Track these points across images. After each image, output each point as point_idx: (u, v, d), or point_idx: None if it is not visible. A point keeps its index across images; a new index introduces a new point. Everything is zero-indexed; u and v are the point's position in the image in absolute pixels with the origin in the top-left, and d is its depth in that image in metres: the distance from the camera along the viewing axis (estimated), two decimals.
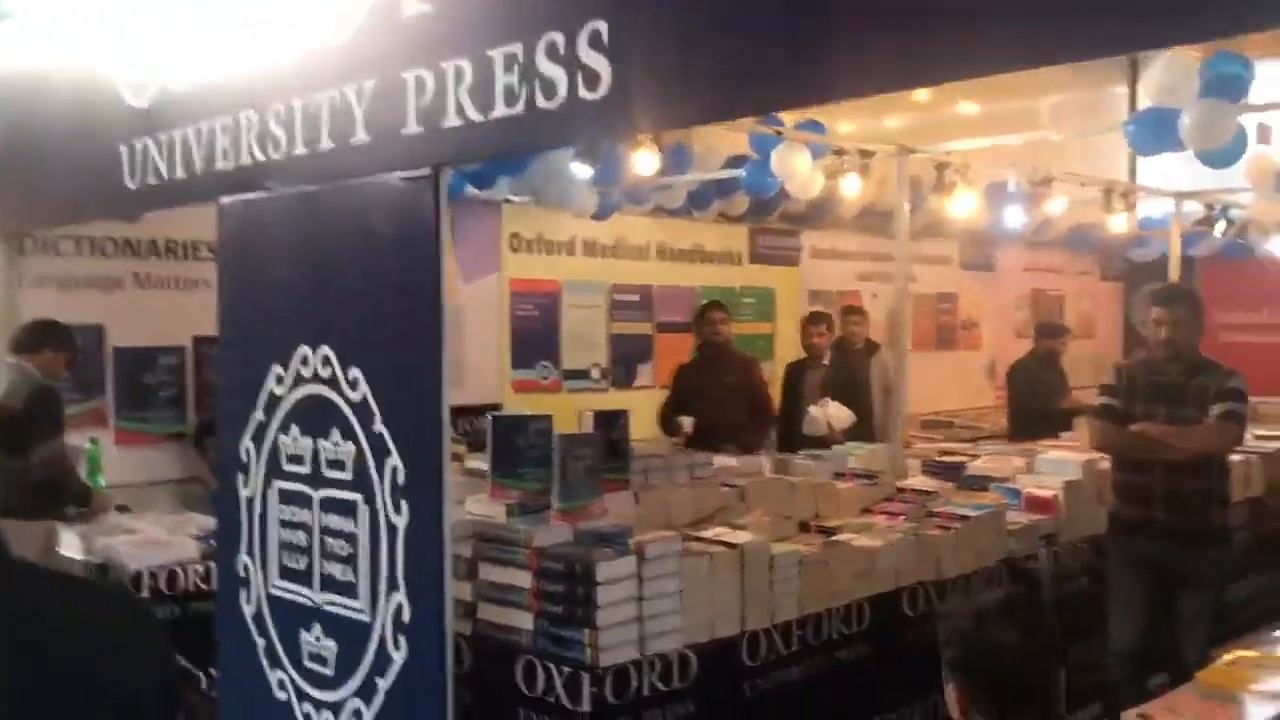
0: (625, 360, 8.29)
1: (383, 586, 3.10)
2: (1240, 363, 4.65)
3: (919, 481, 5.22)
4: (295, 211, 3.38)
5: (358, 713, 3.19)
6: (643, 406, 6.39)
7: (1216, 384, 4.48)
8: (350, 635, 3.19)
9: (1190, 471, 4.46)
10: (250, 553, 3.51)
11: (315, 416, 3.28)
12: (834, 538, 4.15)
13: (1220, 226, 7.81)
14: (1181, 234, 7.81)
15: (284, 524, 3.41)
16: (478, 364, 7.22)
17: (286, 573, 3.40)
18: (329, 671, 3.27)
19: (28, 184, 4.70)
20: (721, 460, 4.95)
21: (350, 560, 3.19)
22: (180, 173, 3.80)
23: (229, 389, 3.68)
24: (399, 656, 3.07)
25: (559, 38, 2.60)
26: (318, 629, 3.31)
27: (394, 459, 3.05)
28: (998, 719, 2.11)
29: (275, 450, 3.43)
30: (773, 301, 9.17)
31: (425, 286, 2.95)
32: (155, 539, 4.51)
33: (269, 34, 3.30)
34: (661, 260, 8.47)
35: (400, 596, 3.05)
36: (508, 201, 7.30)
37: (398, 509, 3.06)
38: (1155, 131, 4.81)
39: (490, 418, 3.84)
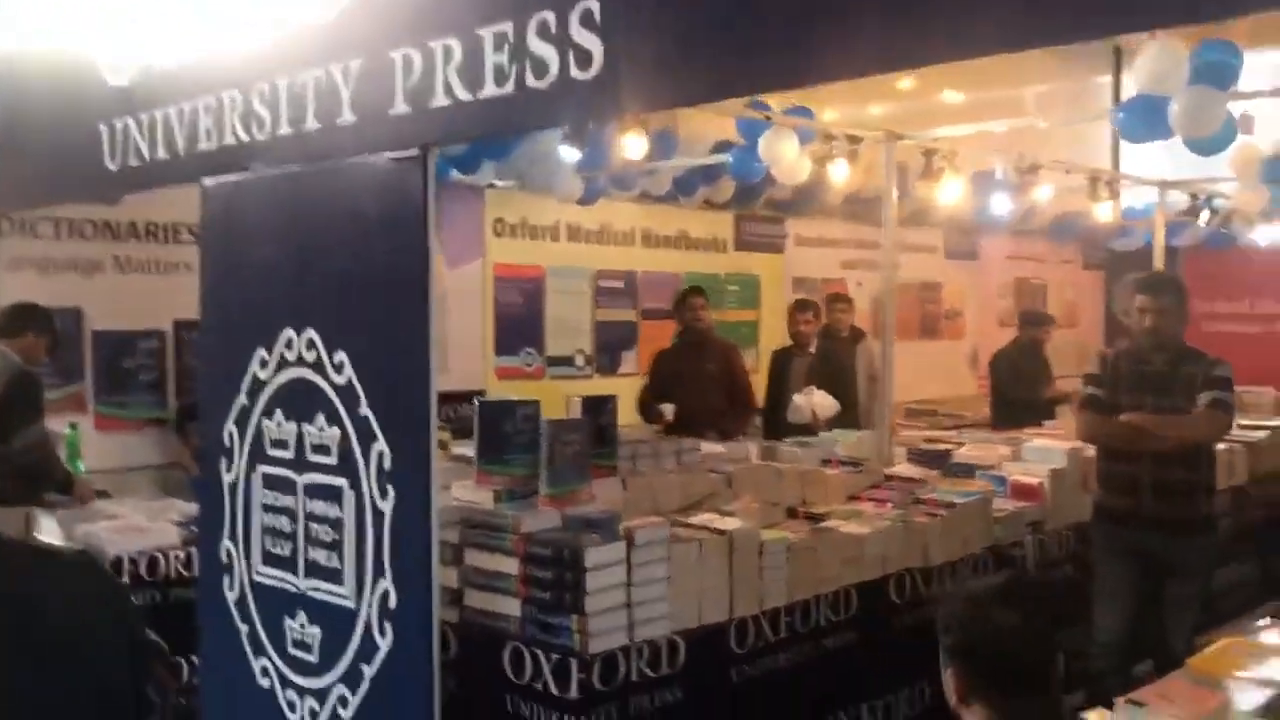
0: (609, 347, 8.26)
1: (369, 573, 3.06)
2: (1223, 353, 4.64)
3: (905, 469, 5.22)
4: (280, 193, 3.32)
5: (343, 700, 3.16)
6: (627, 393, 6.36)
7: (1203, 373, 4.47)
8: (335, 622, 3.16)
9: (1179, 461, 4.46)
10: (233, 538, 3.47)
11: (300, 400, 3.24)
12: (822, 524, 4.14)
13: (1205, 216, 7.83)
14: (1165, 223, 7.83)
15: (267, 509, 3.36)
16: (460, 350, 7.17)
17: (270, 559, 3.36)
18: (313, 659, 3.24)
19: (4, 164, 4.62)
20: (709, 447, 4.94)
21: (335, 546, 3.15)
22: (162, 153, 3.73)
23: (212, 373, 3.63)
24: (385, 643, 3.04)
25: (550, 16, 2.55)
26: (302, 615, 3.26)
27: (380, 443, 3.01)
28: (997, 705, 2.09)
29: (259, 435, 3.38)
30: (757, 289, 9.16)
31: (413, 268, 2.91)
32: (136, 525, 4.46)
33: (253, 11, 3.24)
34: (646, 247, 8.44)
35: (386, 583, 3.02)
36: (491, 186, 7.25)
37: (384, 494, 3.02)
38: (1145, 118, 4.81)
39: (477, 403, 3.80)
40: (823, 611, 3.91)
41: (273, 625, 3.35)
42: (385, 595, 3.02)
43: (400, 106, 2.90)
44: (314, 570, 3.22)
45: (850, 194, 7.21)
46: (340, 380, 3.11)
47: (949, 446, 5.62)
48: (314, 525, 3.22)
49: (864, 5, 2.18)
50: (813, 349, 7.35)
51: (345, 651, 3.14)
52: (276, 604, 3.33)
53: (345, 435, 3.10)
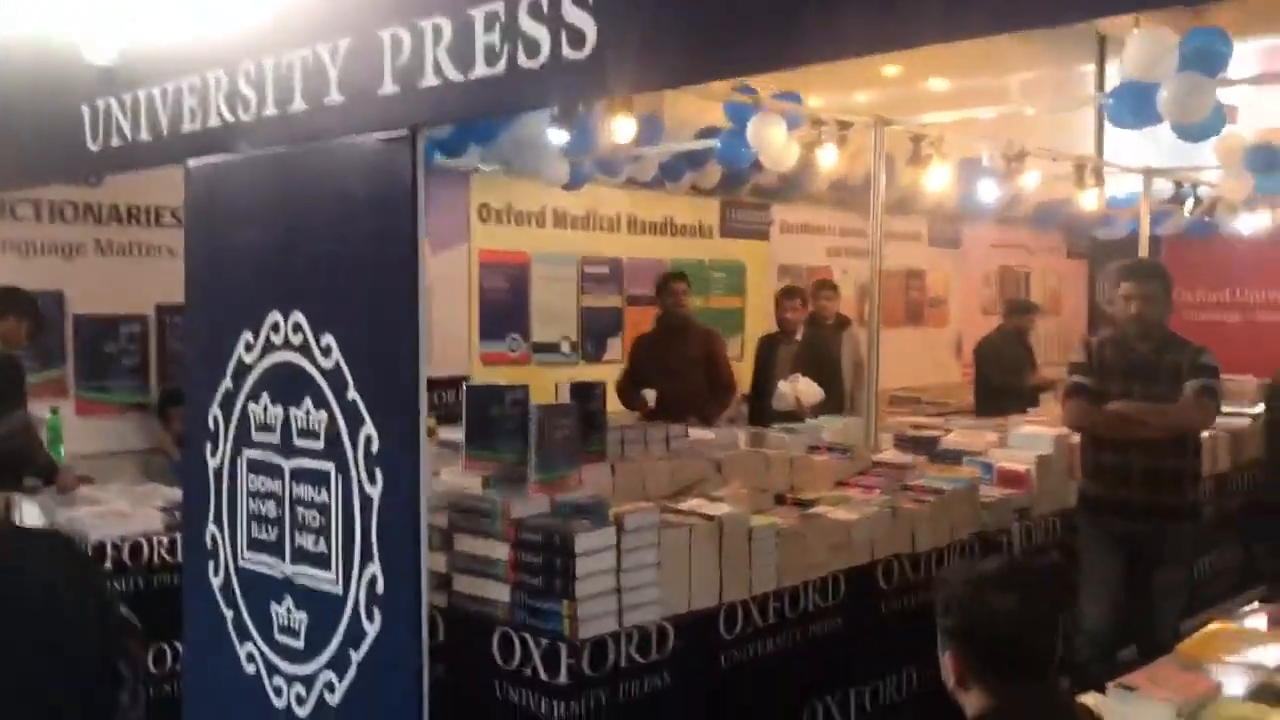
0: (595, 333, 8.24)
1: (356, 558, 3.03)
2: (1205, 341, 4.63)
3: (892, 455, 5.22)
4: (266, 174, 3.28)
5: (330, 685, 3.13)
6: (613, 380, 6.35)
7: (1189, 360, 4.47)
8: (322, 607, 3.13)
9: (1168, 449, 4.45)
10: (218, 523, 3.43)
11: (286, 384, 3.20)
12: (811, 510, 4.13)
13: (1189, 204, 7.85)
14: (1150, 211, 7.86)
15: (253, 494, 3.33)
16: (445, 336, 7.13)
17: (256, 544, 3.33)
18: (300, 644, 3.21)
19: None
20: (697, 433, 4.93)
21: (322, 531, 3.12)
22: (145, 134, 3.68)
23: (197, 356, 3.59)
24: (372, 629, 3.01)
25: None
26: (289, 601, 3.24)
27: (368, 427, 2.98)
28: (995, 689, 2.09)
29: (244, 419, 3.35)
30: (743, 275, 9.15)
31: (401, 250, 2.88)
32: (119, 510, 4.42)
33: None
34: (632, 233, 8.41)
35: (374, 568, 2.99)
36: (476, 171, 7.21)
37: (372, 479, 2.99)
38: (1134, 105, 4.81)
39: (465, 388, 3.78)
40: (811, 597, 3.91)
41: (259, 611, 3.32)
42: (373, 580, 3.00)
43: (389, 87, 2.87)
44: (301, 555, 3.19)
45: (836, 181, 7.20)
46: (327, 364, 3.08)
47: (936, 433, 5.63)
48: (301, 510, 3.19)
49: None
50: (799, 336, 7.35)
51: (332, 637, 3.11)
52: (263, 589, 3.30)
53: (333, 419, 3.07)
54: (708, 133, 6.47)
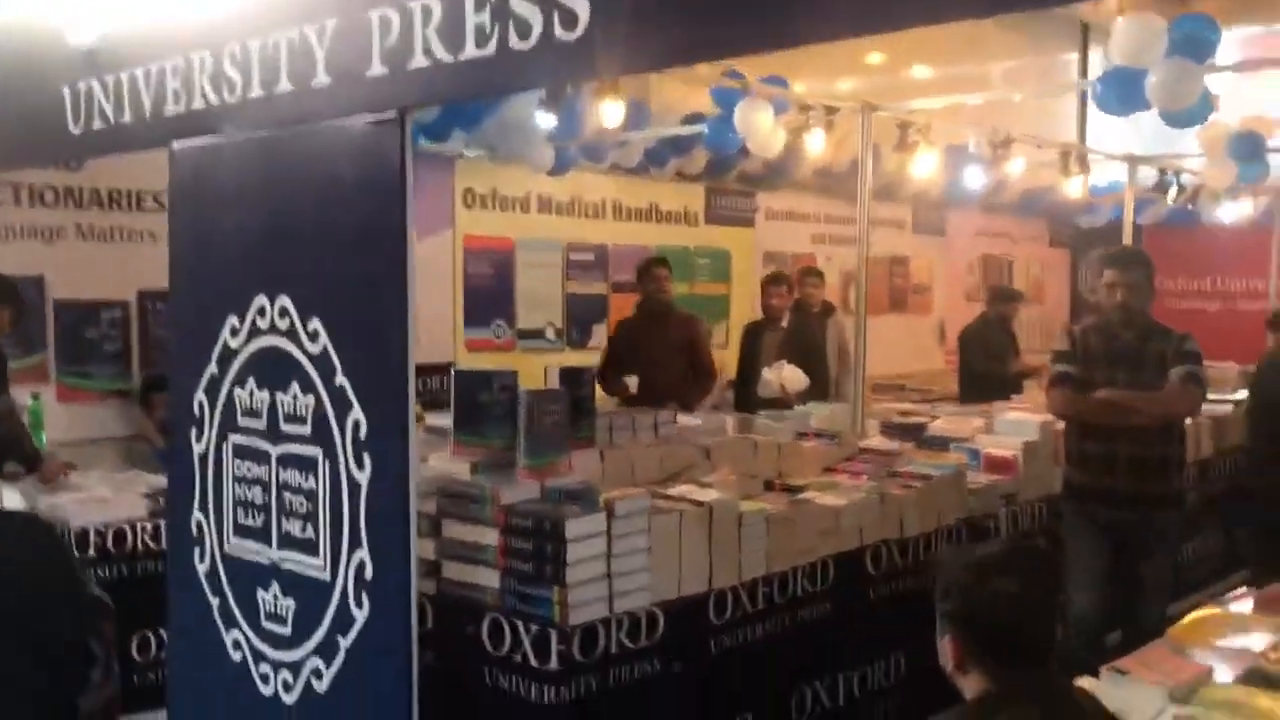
0: (580, 320, 8.22)
1: (344, 544, 3.01)
2: (1185, 329, 4.64)
3: (879, 442, 5.22)
4: (251, 157, 3.24)
5: (317, 672, 3.11)
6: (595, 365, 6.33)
7: (1173, 348, 4.48)
8: (310, 594, 3.10)
9: (1154, 437, 4.46)
10: (204, 510, 3.40)
11: (273, 369, 3.17)
12: (799, 496, 4.13)
13: (1172, 192, 7.88)
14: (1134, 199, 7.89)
15: (239, 480, 3.30)
16: (430, 322, 7.10)
17: (242, 530, 3.30)
18: (287, 631, 3.18)
19: None
20: (685, 419, 4.92)
21: (310, 517, 3.09)
22: (128, 117, 3.63)
23: (181, 341, 3.55)
24: (361, 615, 2.99)
25: None
26: (275, 587, 3.21)
27: (356, 412, 2.95)
28: (994, 674, 2.08)
29: (230, 404, 3.31)
30: (728, 262, 9.13)
31: (390, 233, 2.84)
32: (102, 497, 4.38)
33: None
34: (617, 219, 8.38)
35: (363, 553, 2.97)
36: (461, 156, 7.16)
37: (360, 464, 2.96)
38: (1121, 91, 4.81)
39: (453, 373, 3.75)
40: (800, 582, 3.91)
41: (245, 598, 3.29)
42: (361, 566, 2.97)
43: (377, 68, 2.83)
44: (288, 542, 3.16)
45: (821, 168, 7.19)
46: (314, 348, 3.05)
47: (923, 420, 5.64)
48: (288, 496, 3.16)
49: None
50: (784, 323, 7.35)
51: (320, 624, 3.09)
52: (249, 576, 3.27)
53: (320, 404, 3.04)
54: (694, 118, 6.45)
